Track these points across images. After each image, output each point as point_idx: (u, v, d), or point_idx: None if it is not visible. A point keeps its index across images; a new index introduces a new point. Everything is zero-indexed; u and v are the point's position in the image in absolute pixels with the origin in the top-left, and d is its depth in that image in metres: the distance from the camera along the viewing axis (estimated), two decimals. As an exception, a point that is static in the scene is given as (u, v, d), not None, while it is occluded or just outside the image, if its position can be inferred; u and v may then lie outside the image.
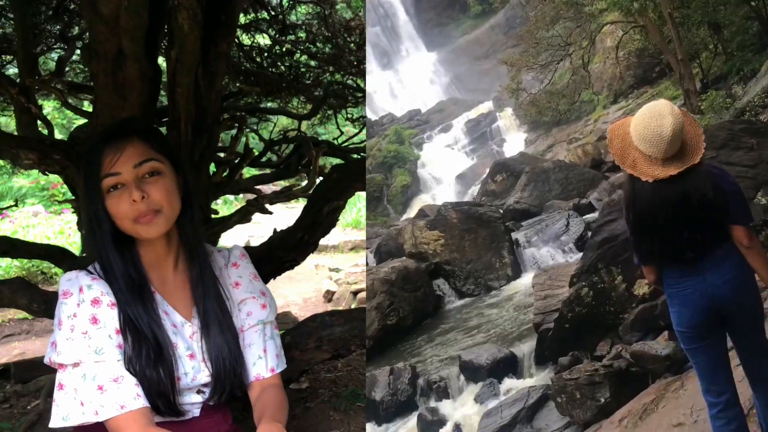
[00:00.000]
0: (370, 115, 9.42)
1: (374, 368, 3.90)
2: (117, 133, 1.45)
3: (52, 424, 1.38)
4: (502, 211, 6.02)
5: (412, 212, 6.91)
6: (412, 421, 3.61)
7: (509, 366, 3.69)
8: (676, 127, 1.75)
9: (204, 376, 1.51)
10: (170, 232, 1.49)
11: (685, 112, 1.85)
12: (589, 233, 4.09)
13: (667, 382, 2.81)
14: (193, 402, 1.53)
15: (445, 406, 3.64)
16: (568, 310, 3.47)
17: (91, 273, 1.45)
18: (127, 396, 1.35)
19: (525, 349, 3.74)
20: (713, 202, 1.79)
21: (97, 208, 1.42)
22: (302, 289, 7.48)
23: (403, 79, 10.63)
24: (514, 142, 8.19)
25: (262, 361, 1.58)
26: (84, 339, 1.37)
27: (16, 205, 6.23)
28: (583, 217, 5.16)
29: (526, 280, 4.75)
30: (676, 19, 4.87)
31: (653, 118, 1.77)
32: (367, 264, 6.42)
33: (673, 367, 2.89)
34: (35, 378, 3.58)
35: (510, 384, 3.61)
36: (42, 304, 2.45)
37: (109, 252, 1.44)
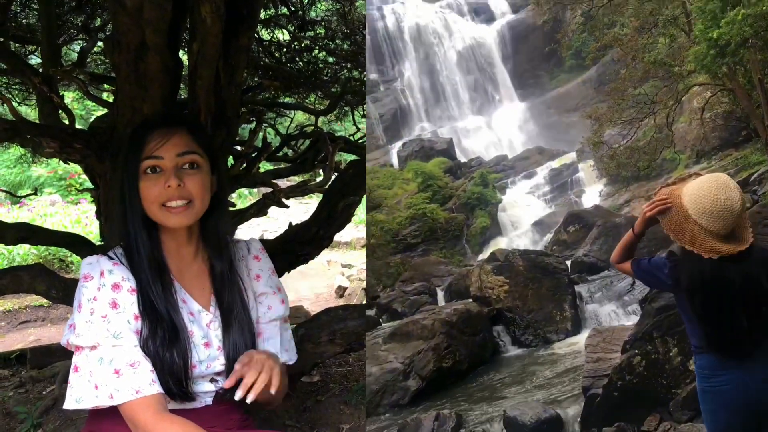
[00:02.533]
0: (460, 157, 10.02)
1: (422, 411, 3.88)
2: (166, 121, 1.51)
3: (66, 406, 1.40)
4: (569, 263, 5.97)
5: (487, 254, 6.95)
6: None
7: (553, 428, 3.56)
8: (743, 200, 1.67)
9: (218, 364, 1.53)
10: (193, 225, 1.53)
11: None
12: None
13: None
14: (206, 390, 1.55)
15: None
16: (618, 378, 3.30)
17: (112, 258, 1.48)
18: (142, 381, 1.37)
19: (571, 412, 3.61)
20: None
21: (131, 187, 1.46)
22: (314, 285, 7.52)
23: (494, 125, 11.02)
24: (593, 193, 8.33)
25: (280, 355, 1.62)
26: (103, 323, 1.39)
27: (35, 194, 6.30)
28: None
29: (585, 336, 4.56)
30: (765, 85, 4.86)
31: (721, 191, 1.65)
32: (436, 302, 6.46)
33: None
34: (51, 364, 3.63)
35: (552, 447, 3.48)
36: (60, 290, 2.49)
37: (138, 230, 1.47)
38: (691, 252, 1.69)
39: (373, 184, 8.72)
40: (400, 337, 4.71)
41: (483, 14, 12.95)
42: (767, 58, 4.99)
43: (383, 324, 6.20)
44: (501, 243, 8.16)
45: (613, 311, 5.11)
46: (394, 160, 10.79)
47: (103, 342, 1.38)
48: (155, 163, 1.45)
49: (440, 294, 6.60)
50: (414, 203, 8.72)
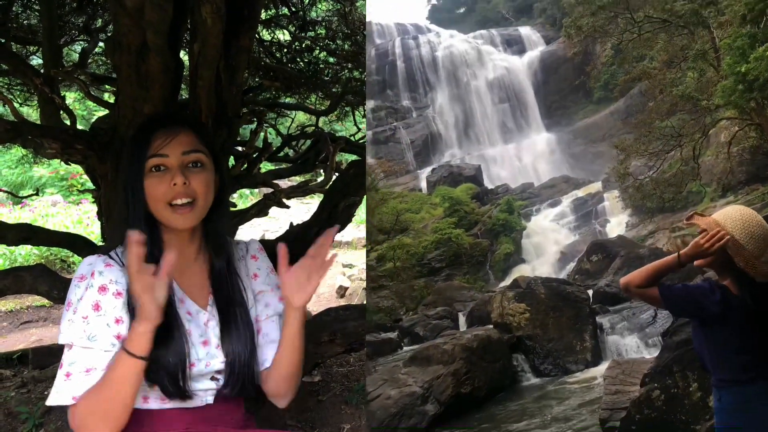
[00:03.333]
0: (487, 183, 10.26)
1: None
2: (171, 120, 1.51)
3: (47, 402, 1.41)
4: (591, 292, 5.91)
5: (510, 281, 6.97)
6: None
7: None
8: None
9: (217, 362, 1.53)
10: (196, 225, 1.53)
11: None
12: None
13: None
14: (206, 388, 1.55)
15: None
16: (636, 411, 3.25)
17: (111, 258, 1.48)
18: (84, 389, 1.37)
19: None
20: None
21: (135, 185, 1.46)
22: (315, 285, 7.51)
23: (522, 154, 11.25)
24: (617, 223, 8.38)
25: (276, 352, 1.60)
26: (82, 323, 1.39)
27: (37, 194, 6.31)
28: (673, 311, 5.10)
29: (604, 367, 4.50)
30: None
31: (759, 217, 1.71)
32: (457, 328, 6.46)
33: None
34: (52, 364, 3.64)
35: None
36: (62, 291, 2.49)
37: (140, 227, 1.45)
38: (738, 278, 1.70)
39: (402, 208, 8.85)
40: (420, 361, 4.70)
41: (515, 45, 13.34)
42: (795, 94, 5.02)
43: (404, 347, 6.21)
44: (524, 270, 8.21)
45: (634, 343, 5.07)
46: (423, 185, 11.00)
47: (76, 342, 1.38)
48: (161, 162, 1.45)
49: (462, 319, 6.61)
50: (440, 228, 8.82)
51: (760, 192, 6.16)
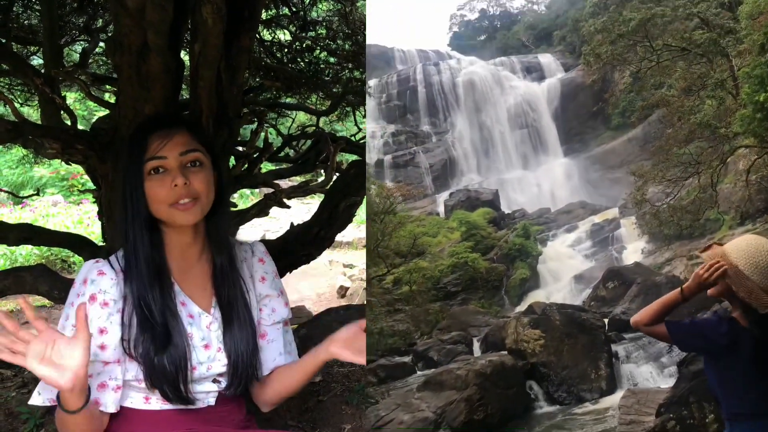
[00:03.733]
0: (504, 208, 10.30)
1: None
2: (166, 121, 1.52)
3: (30, 401, 1.45)
4: (607, 320, 5.85)
5: (525, 306, 6.97)
6: None
7: None
8: None
9: (219, 365, 1.53)
10: (198, 224, 1.53)
11: None
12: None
13: None
14: (208, 391, 1.55)
15: None
16: None
17: (109, 264, 1.49)
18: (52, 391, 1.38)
19: None
20: None
21: (135, 188, 1.46)
22: (316, 285, 7.53)
23: (539, 179, 11.34)
24: (634, 250, 8.37)
25: (282, 357, 1.64)
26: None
27: (37, 194, 6.32)
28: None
29: (619, 396, 4.51)
30: None
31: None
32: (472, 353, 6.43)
33: None
34: (53, 364, 3.63)
35: None
36: (62, 291, 2.50)
37: (137, 232, 1.47)
38: (746, 309, 1.67)
39: (419, 232, 8.88)
40: (434, 386, 4.67)
41: (534, 72, 13.52)
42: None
43: (418, 372, 6.18)
44: (540, 295, 8.21)
45: (650, 372, 5.02)
46: (441, 209, 11.05)
47: None
48: (159, 164, 1.45)
49: (476, 344, 6.58)
50: (457, 252, 8.84)
51: None
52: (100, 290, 1.44)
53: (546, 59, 13.64)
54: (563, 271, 8.71)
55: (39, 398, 1.43)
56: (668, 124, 7.41)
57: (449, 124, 12.98)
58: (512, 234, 9.02)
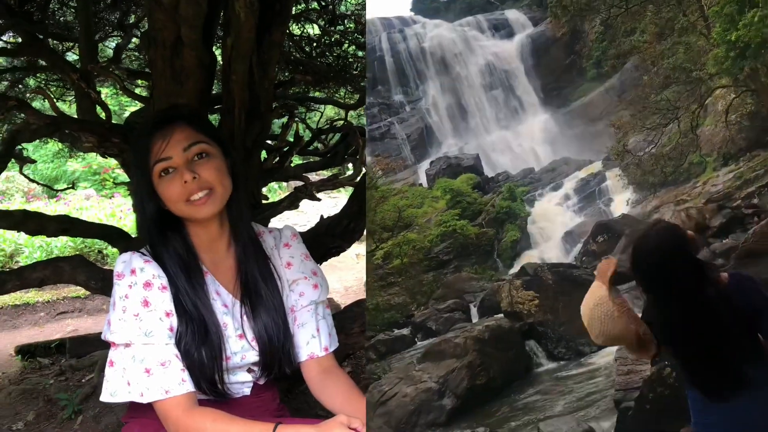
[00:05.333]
0: (487, 172, 10.02)
1: (457, 429, 3.88)
2: (163, 120, 1.50)
3: (102, 398, 1.43)
4: None
5: (519, 267, 7.01)
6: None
7: None
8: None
9: (253, 355, 1.54)
10: (222, 214, 1.52)
11: None
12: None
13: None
14: (243, 381, 1.57)
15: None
16: (649, 390, 3.23)
17: (144, 255, 1.49)
18: (172, 381, 1.38)
19: (605, 425, 3.53)
20: (747, 318, 1.48)
21: (145, 193, 1.47)
22: (344, 278, 7.57)
23: (519, 139, 11.28)
24: (621, 202, 8.31)
25: (316, 340, 1.60)
26: (135, 321, 1.40)
27: (72, 188, 6.44)
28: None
29: (616, 348, 4.60)
30: None
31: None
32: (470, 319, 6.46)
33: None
34: (89, 353, 3.73)
35: (588, 462, 3.44)
36: (99, 281, 2.55)
37: (154, 235, 1.48)
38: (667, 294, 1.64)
39: (403, 204, 8.82)
40: (434, 356, 4.70)
41: (503, 29, 13.23)
42: (788, 57, 4.93)
43: (418, 343, 6.22)
44: (532, 256, 8.16)
45: None
46: (423, 179, 11.00)
47: (135, 340, 1.39)
48: (166, 165, 1.44)
49: (473, 310, 6.59)
50: (444, 220, 8.78)
51: (762, 158, 6.08)
52: (153, 275, 1.44)
53: (513, 15, 13.32)
54: (553, 230, 8.69)
55: (149, 394, 1.39)
56: (643, 71, 7.32)
57: (422, 92, 12.78)
58: (498, 197, 8.97)
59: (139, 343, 1.39)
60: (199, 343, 1.44)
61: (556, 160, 10.44)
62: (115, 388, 1.40)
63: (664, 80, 6.24)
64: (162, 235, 1.48)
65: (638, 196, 7.96)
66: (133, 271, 1.44)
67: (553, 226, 8.69)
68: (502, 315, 5.35)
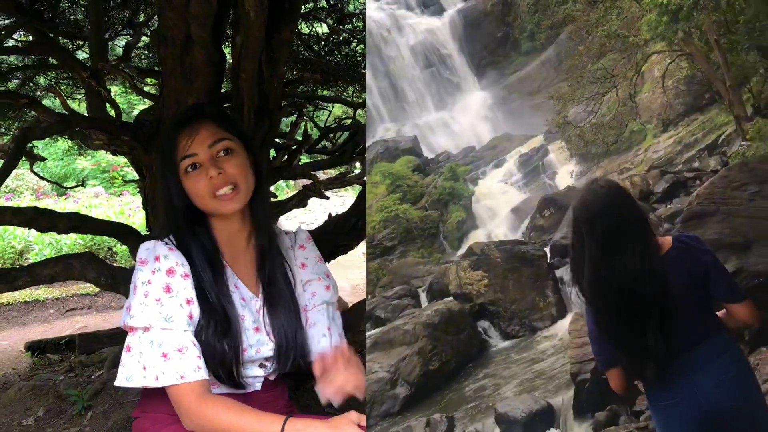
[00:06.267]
0: (427, 153, 9.97)
1: (413, 418, 3.90)
2: (190, 118, 1.54)
3: (116, 383, 1.44)
4: (548, 249, 5.89)
5: (466, 248, 7.01)
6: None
7: (546, 418, 3.50)
8: None
9: (267, 349, 1.56)
10: (244, 210, 1.56)
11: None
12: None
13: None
14: (255, 375, 1.59)
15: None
16: None
17: (168, 244, 1.52)
18: (188, 367, 1.40)
19: (564, 399, 3.61)
20: (694, 281, 1.41)
21: (173, 188, 1.51)
22: (351, 276, 7.57)
23: (457, 117, 11.14)
24: (566, 174, 8.25)
25: (326, 338, 1.63)
26: (156, 305, 1.42)
27: (82, 185, 6.48)
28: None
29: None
30: (723, 45, 4.80)
31: None
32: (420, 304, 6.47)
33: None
34: (98, 350, 3.76)
35: (548, 437, 3.51)
36: (109, 278, 2.56)
37: (183, 227, 1.52)
38: (602, 256, 1.54)
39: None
40: (383, 345, 4.69)
41: (432, 6, 13.00)
42: (720, 18, 4.93)
43: (368, 333, 6.20)
44: (480, 235, 8.06)
45: None
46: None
47: (154, 324, 1.41)
48: (192, 161, 1.48)
49: (422, 295, 6.57)
50: (385, 206, 8.71)
51: (700, 122, 6.06)
52: (177, 263, 1.47)
53: (442, -11, 13.20)
54: (499, 207, 8.57)
55: (164, 378, 1.40)
56: (578, 40, 7.29)
57: (356, 76, 12.75)
58: (440, 178, 8.87)
59: (159, 328, 1.41)
60: (221, 334, 1.47)
61: (497, 136, 10.29)
62: (131, 373, 1.42)
63: (600, 48, 6.19)
64: (190, 229, 1.52)
65: (582, 167, 7.90)
66: (157, 258, 1.46)
67: (498, 203, 8.61)
68: (450, 299, 5.35)
